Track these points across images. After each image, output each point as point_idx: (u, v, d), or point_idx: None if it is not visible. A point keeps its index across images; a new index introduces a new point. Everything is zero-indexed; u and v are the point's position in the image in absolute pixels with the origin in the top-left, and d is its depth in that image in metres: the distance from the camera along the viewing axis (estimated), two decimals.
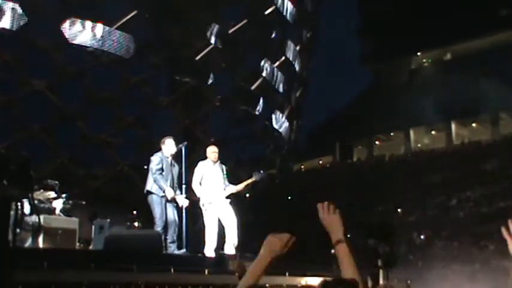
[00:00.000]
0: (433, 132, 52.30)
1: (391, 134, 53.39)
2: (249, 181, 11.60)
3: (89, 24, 13.77)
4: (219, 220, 11.36)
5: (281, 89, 19.73)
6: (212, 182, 11.44)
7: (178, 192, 11.18)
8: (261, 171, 11.72)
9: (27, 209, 10.28)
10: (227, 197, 11.47)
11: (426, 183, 36.47)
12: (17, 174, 4.49)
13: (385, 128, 52.25)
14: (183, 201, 11.17)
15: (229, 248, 11.15)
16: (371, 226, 6.23)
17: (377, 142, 54.64)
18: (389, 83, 53.96)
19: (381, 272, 6.55)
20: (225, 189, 11.48)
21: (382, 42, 55.11)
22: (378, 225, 6.23)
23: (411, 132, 51.92)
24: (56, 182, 11.68)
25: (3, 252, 4.53)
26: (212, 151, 11.62)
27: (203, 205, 11.35)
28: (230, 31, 16.39)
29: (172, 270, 9.18)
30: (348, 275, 2.99)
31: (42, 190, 11.34)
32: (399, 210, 33.78)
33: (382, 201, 32.87)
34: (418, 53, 59.21)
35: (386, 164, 43.27)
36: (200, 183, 11.40)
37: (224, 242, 11.28)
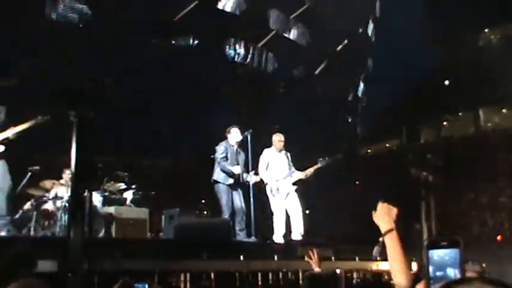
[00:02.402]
0: (504, 110, 50.72)
1: (459, 114, 52.07)
2: (315, 167, 11.54)
3: (150, 16, 13.93)
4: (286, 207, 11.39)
5: (345, 73, 19.50)
6: (278, 169, 11.45)
7: (245, 175, 11.24)
8: (326, 157, 11.61)
9: (99, 200, 10.62)
10: (293, 184, 11.47)
11: (498, 163, 35.47)
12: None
13: (453, 108, 51.02)
14: (253, 179, 11.20)
15: (297, 235, 11.16)
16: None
17: (445, 123, 53.37)
18: (456, 61, 52.66)
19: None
20: (290, 176, 11.48)
21: (449, 20, 53.76)
22: None
23: (480, 112, 50.49)
24: (126, 174, 11.91)
25: (79, 242, 4.62)
26: (277, 138, 11.63)
27: (270, 192, 11.38)
28: (292, 16, 16.30)
29: (242, 257, 9.25)
30: (396, 263, 2.97)
31: (112, 182, 11.61)
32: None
33: (452, 183, 32.17)
34: (486, 30, 57.58)
35: (455, 145, 42.23)
36: (266, 171, 11.44)
37: (291, 228, 11.30)
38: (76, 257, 4.40)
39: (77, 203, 4.59)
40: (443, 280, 2.15)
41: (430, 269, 2.20)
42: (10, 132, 8.89)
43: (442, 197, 21.28)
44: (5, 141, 8.92)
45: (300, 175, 11.48)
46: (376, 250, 11.24)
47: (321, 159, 11.50)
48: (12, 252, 5.56)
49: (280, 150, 11.59)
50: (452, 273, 2.18)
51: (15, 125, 8.97)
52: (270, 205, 11.47)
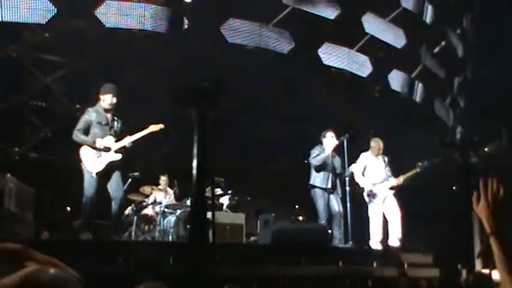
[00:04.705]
0: None
1: None
2: (413, 172, 11.26)
3: (245, 23, 14.05)
4: (383, 212, 11.19)
5: (442, 76, 18.96)
6: (375, 173, 11.28)
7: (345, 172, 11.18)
8: (425, 162, 11.29)
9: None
10: (390, 189, 11.24)
11: None
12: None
13: None
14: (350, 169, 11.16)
15: (394, 241, 10.93)
16: None
17: None
18: None
19: None
20: (387, 180, 11.27)
21: None
22: None
23: None
24: (222, 179, 12.03)
25: (204, 247, 4.56)
26: (375, 143, 11.47)
27: (367, 196, 11.22)
28: (387, 19, 16.03)
29: (340, 263, 9.14)
30: (500, 274, 2.58)
31: (209, 187, 11.74)
32: None
33: None
34: None
35: None
36: (363, 175, 11.30)
37: (389, 234, 11.09)
38: (198, 261, 4.40)
39: (199, 208, 4.57)
40: None
41: None
42: (127, 141, 9.09)
43: None
44: (122, 150, 9.13)
45: (396, 181, 11.24)
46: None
47: (420, 163, 11.18)
48: (139, 256, 5.67)
49: (377, 155, 11.42)
50: None
51: (131, 133, 9.18)
52: (366, 210, 11.31)
